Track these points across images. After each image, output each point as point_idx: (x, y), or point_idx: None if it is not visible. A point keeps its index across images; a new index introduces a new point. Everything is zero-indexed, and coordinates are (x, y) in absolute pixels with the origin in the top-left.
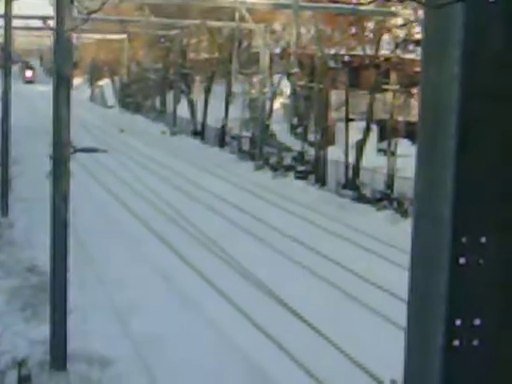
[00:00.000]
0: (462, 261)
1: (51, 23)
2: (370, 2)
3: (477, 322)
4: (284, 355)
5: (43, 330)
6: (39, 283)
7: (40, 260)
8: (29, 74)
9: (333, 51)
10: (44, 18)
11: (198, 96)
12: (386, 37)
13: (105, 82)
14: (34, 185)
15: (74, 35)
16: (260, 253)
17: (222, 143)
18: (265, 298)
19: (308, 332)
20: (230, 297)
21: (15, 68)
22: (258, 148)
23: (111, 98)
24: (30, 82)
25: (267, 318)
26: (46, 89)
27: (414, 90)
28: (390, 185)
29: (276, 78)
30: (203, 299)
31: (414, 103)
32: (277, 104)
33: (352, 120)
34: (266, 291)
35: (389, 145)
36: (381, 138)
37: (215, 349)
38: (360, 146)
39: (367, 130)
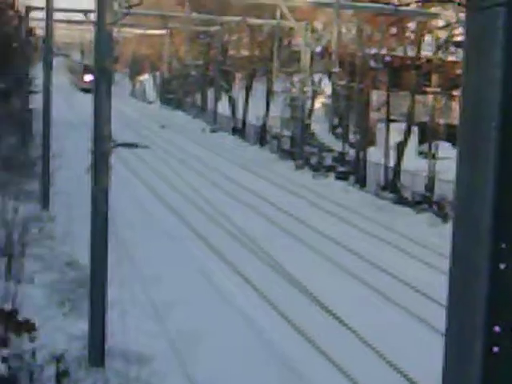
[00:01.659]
0: (501, 266)
1: (92, 17)
2: (410, 3)
3: None
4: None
5: (82, 326)
6: (78, 278)
7: (79, 254)
8: (88, 77)
9: (373, 51)
10: (85, 12)
11: (238, 93)
12: (427, 38)
13: (145, 77)
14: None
15: (115, 29)
16: (299, 253)
17: (262, 141)
18: (302, 296)
19: (345, 333)
20: (270, 298)
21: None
22: (298, 147)
23: (152, 94)
24: (87, 90)
25: (309, 323)
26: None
27: (455, 93)
28: (430, 188)
29: (316, 77)
30: (238, 293)
31: (455, 106)
32: (317, 103)
33: (393, 121)
34: (301, 288)
35: (429, 147)
36: (421, 140)
37: None
38: (401, 148)
39: (408, 131)
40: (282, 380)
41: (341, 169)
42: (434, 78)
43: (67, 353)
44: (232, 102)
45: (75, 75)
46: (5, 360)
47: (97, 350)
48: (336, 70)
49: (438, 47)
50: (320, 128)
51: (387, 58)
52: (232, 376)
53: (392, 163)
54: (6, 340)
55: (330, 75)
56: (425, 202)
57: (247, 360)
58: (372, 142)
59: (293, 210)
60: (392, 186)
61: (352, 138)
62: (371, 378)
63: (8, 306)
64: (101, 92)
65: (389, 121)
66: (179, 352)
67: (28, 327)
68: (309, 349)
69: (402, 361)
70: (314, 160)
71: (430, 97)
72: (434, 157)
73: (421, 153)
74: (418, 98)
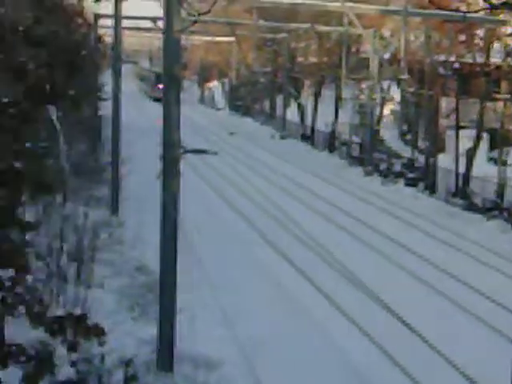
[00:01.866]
0: None
1: (161, 24)
2: (478, 10)
3: None
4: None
5: (150, 330)
6: (147, 282)
7: (149, 259)
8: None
9: (442, 58)
10: (153, 19)
11: (306, 100)
12: (496, 45)
13: (214, 84)
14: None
15: (184, 36)
16: (371, 260)
17: (331, 148)
18: (368, 299)
19: (419, 343)
20: (338, 302)
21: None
22: (367, 154)
23: (220, 100)
24: (159, 99)
25: (382, 333)
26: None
27: None
28: (500, 194)
29: (385, 83)
30: (307, 297)
31: None
32: (386, 110)
33: (462, 128)
34: (373, 296)
35: (500, 154)
36: (491, 146)
37: None
38: (470, 155)
39: (478, 138)
40: None
41: (410, 175)
42: (504, 84)
43: (136, 357)
44: (301, 109)
45: (145, 83)
46: (74, 364)
47: (165, 355)
48: (405, 76)
49: (507, 54)
50: (389, 134)
51: (456, 65)
52: None
53: (462, 170)
54: (75, 344)
55: (398, 82)
56: (495, 208)
57: (323, 371)
58: (442, 149)
59: (362, 216)
60: (462, 192)
61: (421, 144)
62: None
63: (78, 311)
64: (170, 98)
65: (458, 127)
66: (248, 358)
67: (97, 332)
68: (382, 359)
69: (475, 371)
70: (383, 166)
71: (500, 103)
72: (504, 163)
73: (491, 159)
74: (488, 104)
